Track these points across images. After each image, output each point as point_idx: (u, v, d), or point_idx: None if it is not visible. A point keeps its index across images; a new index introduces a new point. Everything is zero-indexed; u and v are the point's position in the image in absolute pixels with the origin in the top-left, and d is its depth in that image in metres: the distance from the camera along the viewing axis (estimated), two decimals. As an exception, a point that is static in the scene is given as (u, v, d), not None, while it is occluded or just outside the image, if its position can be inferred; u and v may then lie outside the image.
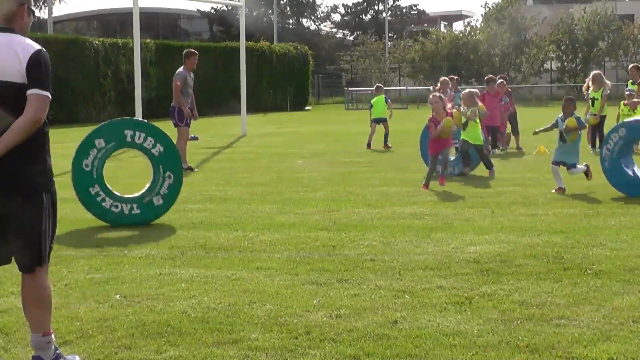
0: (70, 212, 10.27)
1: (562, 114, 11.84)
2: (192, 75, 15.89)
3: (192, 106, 15.99)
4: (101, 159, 9.53)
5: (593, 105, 18.22)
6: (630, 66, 19.85)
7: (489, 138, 17.84)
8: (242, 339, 5.22)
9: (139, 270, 7.21)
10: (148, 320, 5.62)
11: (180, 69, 15.83)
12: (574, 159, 11.79)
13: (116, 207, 9.53)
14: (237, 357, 4.92)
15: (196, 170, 15.79)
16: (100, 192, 9.50)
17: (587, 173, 12.05)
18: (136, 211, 9.58)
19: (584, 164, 12.05)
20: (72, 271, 7.20)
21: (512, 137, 19.51)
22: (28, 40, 4.60)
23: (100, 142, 9.55)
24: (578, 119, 11.69)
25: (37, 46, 4.59)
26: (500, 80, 19.49)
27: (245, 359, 4.89)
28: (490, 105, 17.48)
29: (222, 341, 5.18)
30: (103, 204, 9.51)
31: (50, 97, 4.56)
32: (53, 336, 4.77)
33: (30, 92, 4.48)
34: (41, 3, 62.80)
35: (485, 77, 19.66)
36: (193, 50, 16.22)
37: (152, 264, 7.45)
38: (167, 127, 16.20)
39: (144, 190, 9.73)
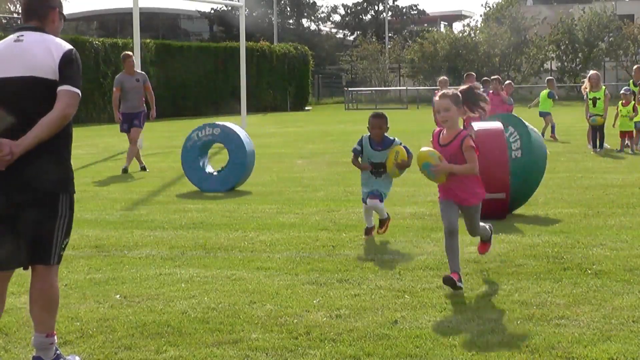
0: (70, 212, 10.26)
1: (369, 135, 8.45)
2: (136, 77, 15.60)
3: (152, 106, 15.86)
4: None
5: (595, 105, 18.24)
6: (636, 67, 19.83)
7: None
8: (242, 339, 5.22)
9: (139, 270, 7.21)
10: (148, 321, 5.62)
11: (119, 74, 15.86)
12: (387, 187, 8.69)
13: None
14: (237, 357, 4.92)
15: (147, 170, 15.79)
16: None
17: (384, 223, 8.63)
18: None
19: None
20: (72, 271, 7.20)
21: None
22: (60, 40, 4.69)
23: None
24: (406, 148, 8.32)
25: (69, 45, 4.69)
26: (508, 82, 19.84)
27: (245, 359, 4.89)
28: (493, 103, 18.12)
29: (222, 341, 5.18)
30: None
31: (80, 94, 4.61)
32: (55, 337, 4.78)
33: (60, 88, 4.54)
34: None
35: (492, 77, 19.83)
36: (127, 52, 16.04)
37: (152, 264, 7.45)
38: (165, 127, 16.21)
39: None
